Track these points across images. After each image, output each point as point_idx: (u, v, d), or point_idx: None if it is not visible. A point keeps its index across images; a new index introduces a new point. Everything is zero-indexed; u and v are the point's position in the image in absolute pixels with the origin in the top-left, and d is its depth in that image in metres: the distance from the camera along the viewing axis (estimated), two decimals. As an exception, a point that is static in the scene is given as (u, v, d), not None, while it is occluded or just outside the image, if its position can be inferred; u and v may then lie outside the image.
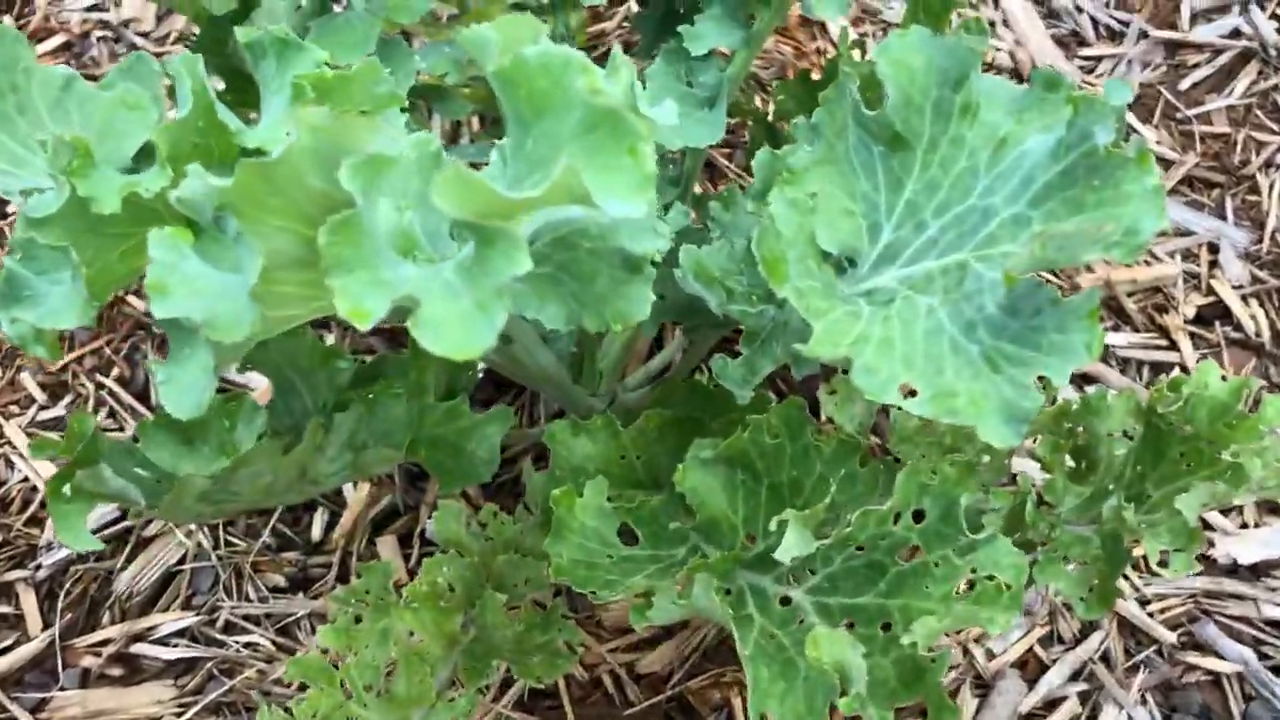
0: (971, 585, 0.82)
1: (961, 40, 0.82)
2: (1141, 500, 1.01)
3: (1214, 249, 1.57)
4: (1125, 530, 0.93)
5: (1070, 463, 1.12)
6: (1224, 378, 0.99)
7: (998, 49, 1.72)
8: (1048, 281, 1.07)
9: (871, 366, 0.77)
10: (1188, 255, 1.57)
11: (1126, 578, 1.33)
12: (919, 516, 0.84)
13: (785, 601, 0.85)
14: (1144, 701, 1.26)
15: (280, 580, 1.30)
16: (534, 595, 1.11)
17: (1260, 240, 1.58)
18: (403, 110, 0.85)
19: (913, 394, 0.75)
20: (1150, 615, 1.31)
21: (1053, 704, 1.26)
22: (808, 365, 0.97)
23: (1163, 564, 0.91)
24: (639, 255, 0.73)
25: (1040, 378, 0.79)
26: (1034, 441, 1.11)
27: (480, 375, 1.46)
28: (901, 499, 0.83)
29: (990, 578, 0.81)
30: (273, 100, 0.75)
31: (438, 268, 0.58)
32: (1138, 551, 1.33)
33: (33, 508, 1.34)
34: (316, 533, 1.34)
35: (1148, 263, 1.55)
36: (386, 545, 1.32)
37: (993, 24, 1.74)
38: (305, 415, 0.98)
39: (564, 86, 0.58)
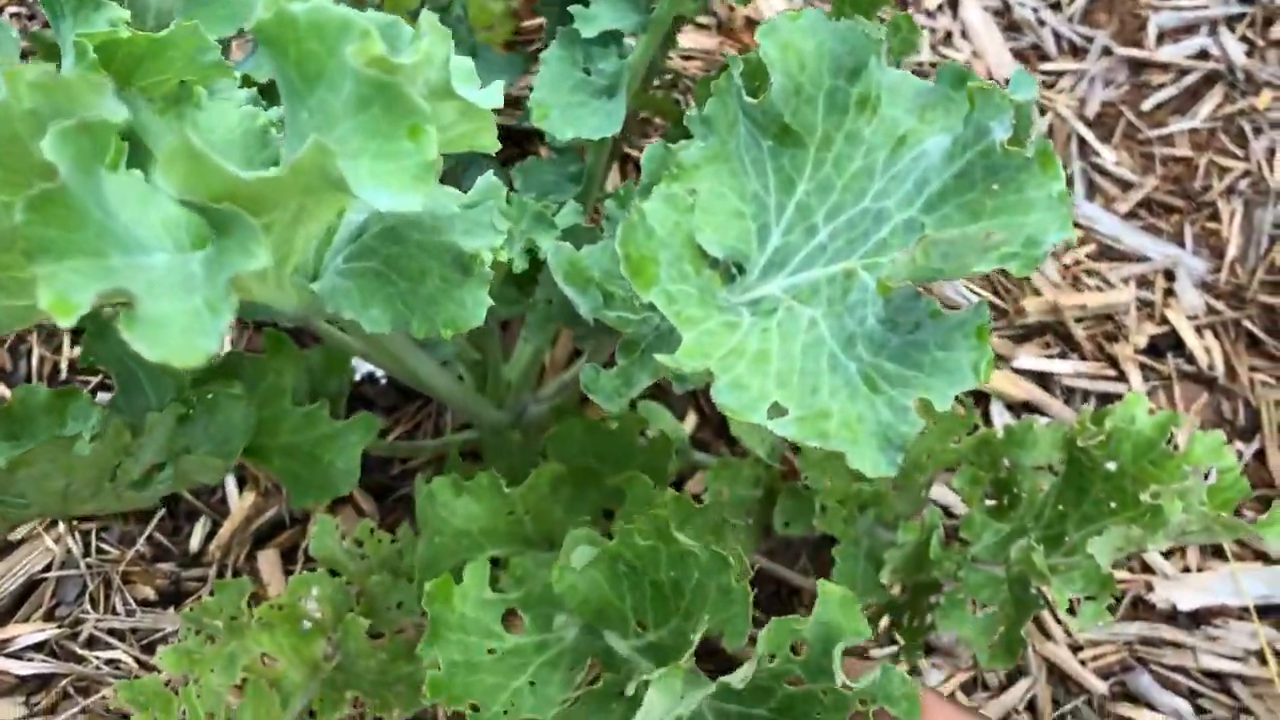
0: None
1: (859, 25, 0.73)
2: (1060, 542, 0.93)
3: (1170, 276, 1.50)
4: (1033, 574, 0.85)
5: (993, 497, 1.04)
6: (1151, 411, 0.91)
7: (954, 59, 1.64)
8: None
9: (742, 383, 0.69)
10: (1142, 282, 1.49)
11: (1060, 621, 1.25)
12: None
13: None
14: (1070, 756, 1.18)
15: (150, 593, 1.21)
16: (406, 621, 1.02)
17: (1219, 270, 1.50)
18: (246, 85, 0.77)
19: (783, 413, 0.67)
20: (1082, 663, 1.23)
21: (971, 756, 1.17)
22: (690, 381, 0.89)
23: (1071, 613, 0.83)
24: (471, 253, 0.65)
25: (960, 400, 0.71)
26: (953, 472, 1.03)
27: (384, 382, 1.38)
28: (769, 644, 0.72)
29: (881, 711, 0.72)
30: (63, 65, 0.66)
31: (184, 259, 0.49)
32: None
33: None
34: (195, 543, 1.25)
35: (1099, 289, 1.47)
36: (268, 560, 1.23)
37: (950, 35, 1.67)
38: (149, 413, 0.89)
39: (338, 52, 0.50)
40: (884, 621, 1.03)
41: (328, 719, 0.94)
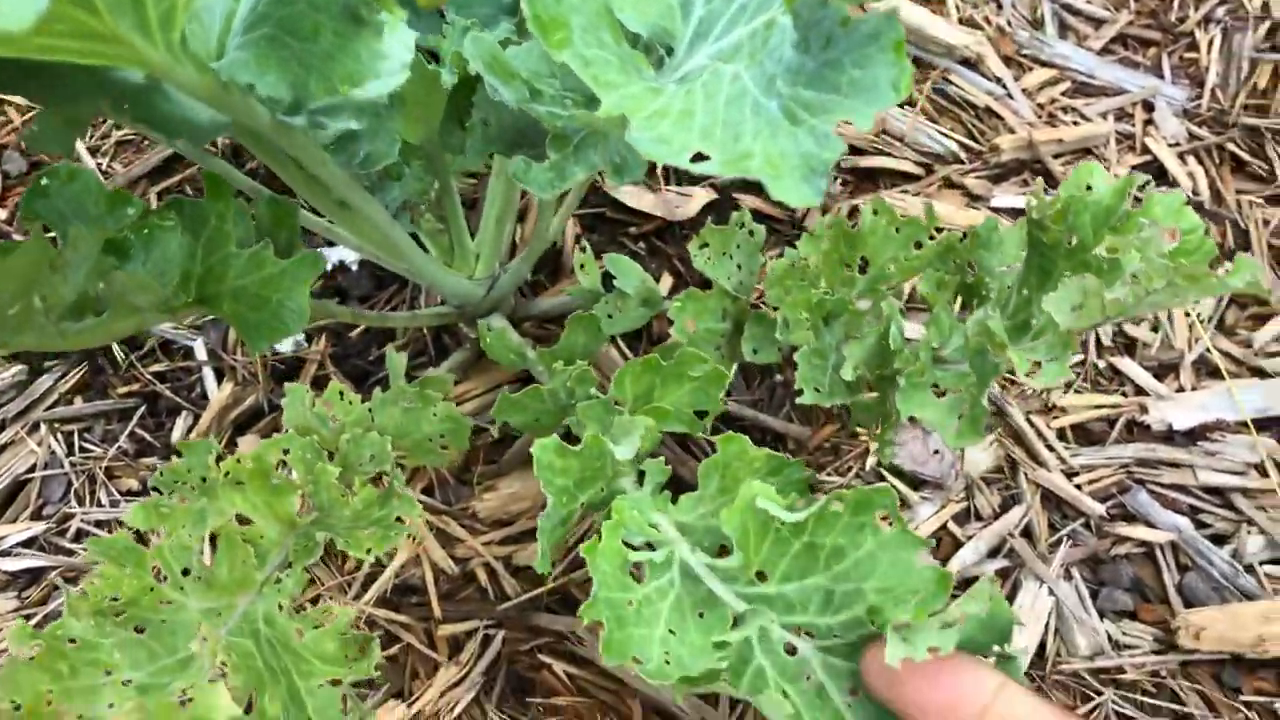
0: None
1: None
2: (1027, 328, 0.91)
3: (1149, 107, 1.46)
4: (991, 342, 0.82)
5: (961, 304, 1.02)
6: (1109, 178, 0.88)
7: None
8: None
9: (665, 138, 0.67)
10: (1121, 115, 1.46)
11: (1052, 449, 1.23)
12: None
13: (791, 650, 0.75)
14: (1068, 576, 1.16)
15: (135, 485, 1.21)
16: (377, 470, 1.01)
17: (1199, 97, 1.47)
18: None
19: (706, 159, 0.65)
20: (1078, 487, 1.20)
21: (968, 582, 1.15)
22: (630, 172, 0.87)
23: (1033, 374, 0.80)
24: (359, 2, 0.63)
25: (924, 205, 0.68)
26: (918, 279, 1.01)
27: (355, 269, 1.37)
28: None
29: None
30: None
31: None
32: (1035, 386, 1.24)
33: (-126, 421, 1.26)
34: (176, 436, 1.24)
35: (1075, 123, 1.44)
36: (248, 445, 1.22)
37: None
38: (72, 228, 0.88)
39: None
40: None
41: (300, 564, 0.94)
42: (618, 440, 0.86)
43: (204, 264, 0.92)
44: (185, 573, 0.92)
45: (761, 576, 0.76)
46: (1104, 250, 0.81)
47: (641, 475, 0.89)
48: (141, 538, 1.07)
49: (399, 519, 0.95)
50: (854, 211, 1.33)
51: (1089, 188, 0.88)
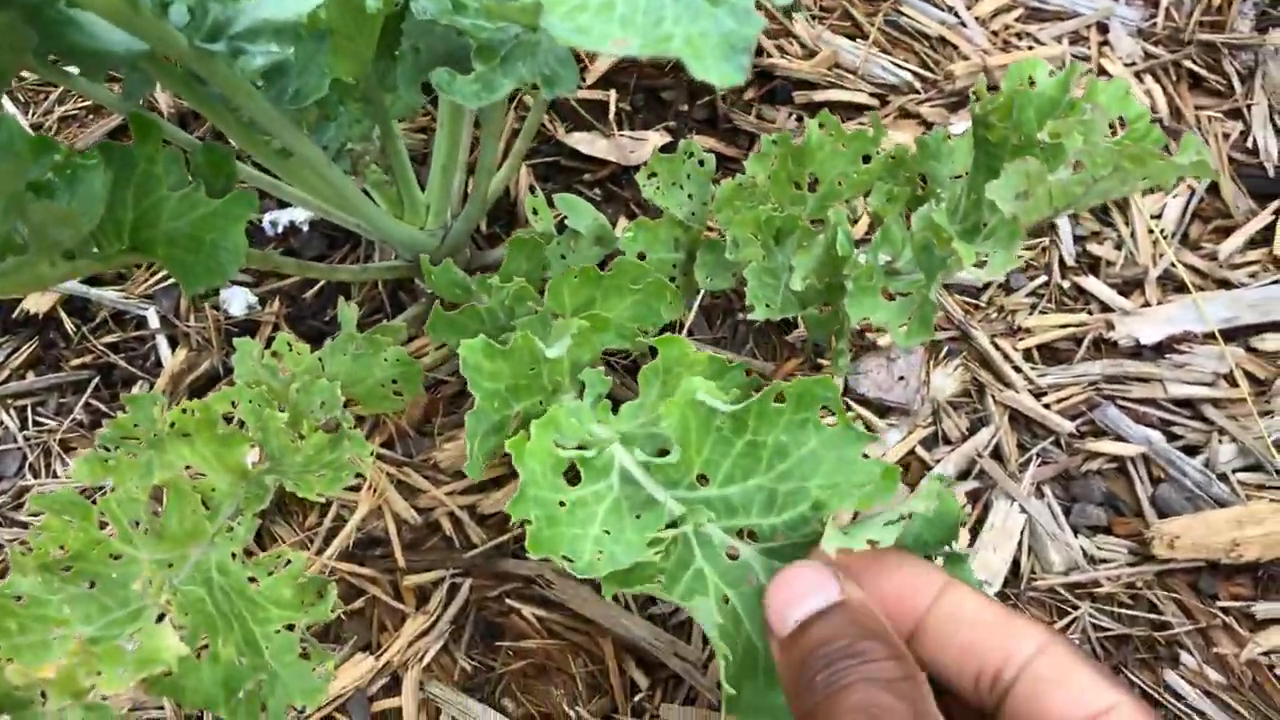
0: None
1: None
2: (978, 230, 0.90)
3: (1103, 29, 1.45)
4: (938, 237, 0.81)
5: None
6: (1051, 72, 0.87)
7: None
8: None
9: (585, 28, 0.65)
10: (1075, 38, 1.44)
11: (1018, 370, 1.21)
12: None
13: (733, 555, 0.74)
14: (1040, 494, 1.14)
15: (90, 455, 1.19)
16: (328, 416, 0.99)
17: (1153, 17, 1.46)
18: None
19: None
20: (1046, 407, 1.19)
21: (939, 505, 1.14)
22: (561, 84, 0.85)
23: (980, 266, 0.79)
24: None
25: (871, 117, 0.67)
26: (866, 197, 1.00)
27: (307, 230, 1.35)
28: None
29: None
30: None
31: None
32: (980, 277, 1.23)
33: None
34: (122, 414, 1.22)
35: (1030, 47, 1.42)
36: (205, 409, 1.20)
37: None
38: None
39: None
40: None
41: (250, 510, 0.92)
42: (550, 344, 0.84)
43: (136, 209, 0.90)
44: (136, 526, 0.90)
45: (703, 480, 0.74)
46: (1046, 135, 0.80)
47: (583, 389, 0.88)
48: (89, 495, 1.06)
49: (350, 460, 0.94)
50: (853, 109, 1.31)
51: (1031, 82, 0.86)
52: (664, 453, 0.77)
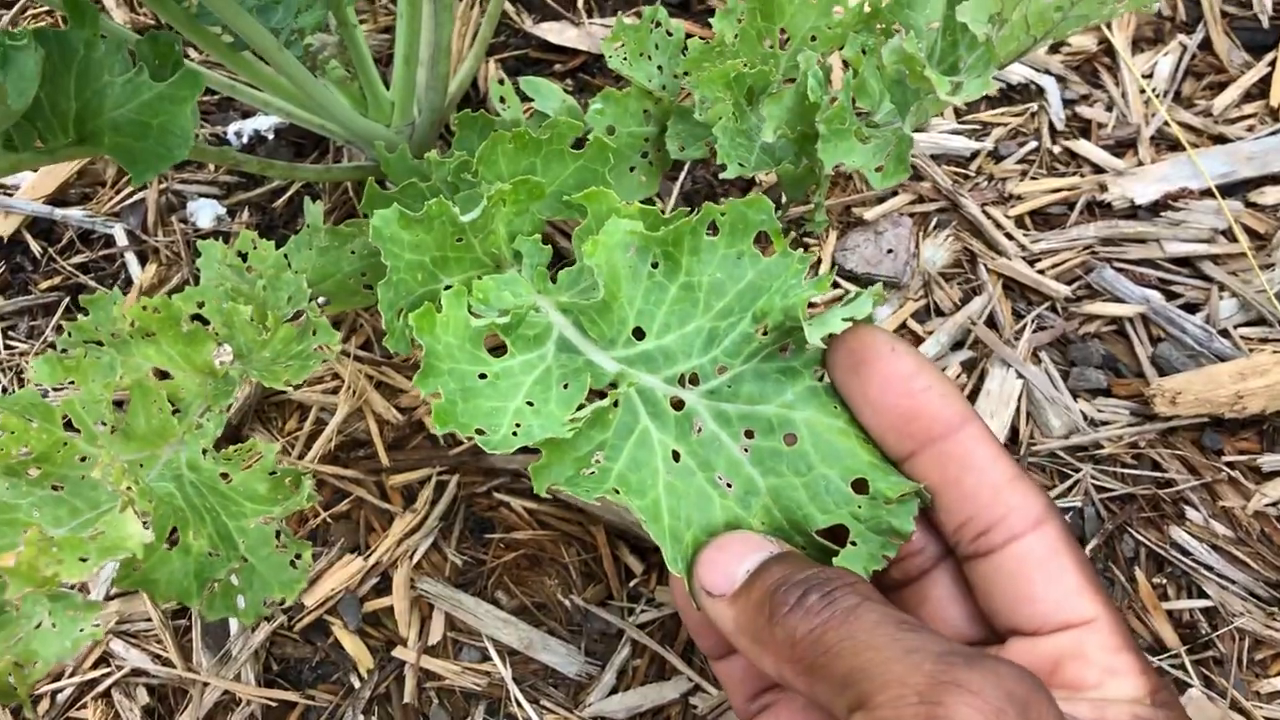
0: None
1: None
2: (955, 70, 0.86)
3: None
4: (910, 67, 0.77)
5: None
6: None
7: None
8: None
9: None
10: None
11: (1011, 237, 1.18)
12: None
13: (677, 405, 0.70)
14: (1037, 360, 1.11)
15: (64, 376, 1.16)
16: (295, 310, 0.96)
17: None
18: None
19: None
20: (1040, 272, 1.16)
21: (933, 376, 1.11)
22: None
23: (955, 92, 0.75)
24: None
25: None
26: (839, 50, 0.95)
27: (273, 138, 1.31)
28: None
29: None
30: None
31: None
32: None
33: None
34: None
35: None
36: (179, 322, 1.17)
37: None
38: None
39: None
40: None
41: (218, 405, 0.89)
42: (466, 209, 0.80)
43: (79, 99, 0.87)
44: (102, 426, 0.88)
45: (640, 334, 0.71)
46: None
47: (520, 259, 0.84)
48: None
49: (317, 349, 0.91)
50: None
51: (1005, -92, 0.82)
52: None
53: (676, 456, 0.68)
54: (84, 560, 0.74)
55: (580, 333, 0.74)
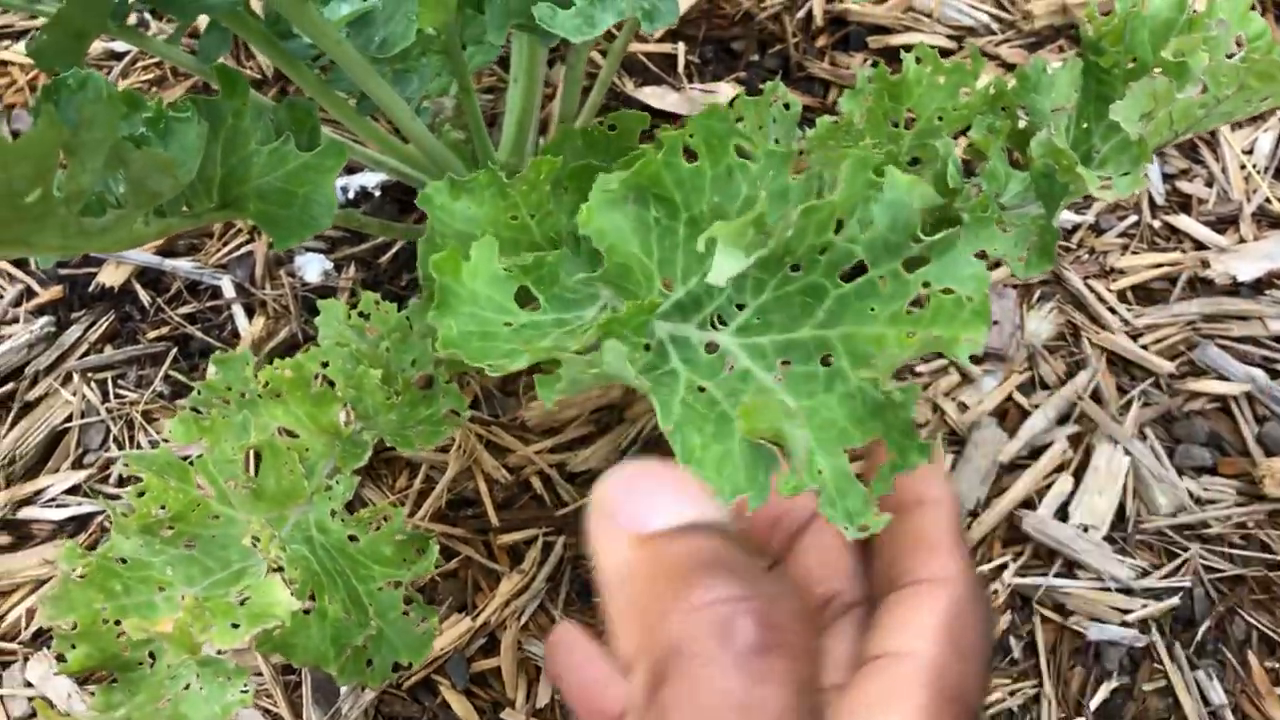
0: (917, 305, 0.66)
1: None
2: (1089, 160, 0.87)
3: (1182, -38, 1.40)
4: (1059, 161, 0.78)
5: (1014, 150, 0.97)
6: (1166, -10, 0.83)
7: None
8: None
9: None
10: (1153, -27, 1.40)
11: (1114, 311, 1.18)
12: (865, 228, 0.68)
13: (712, 348, 0.70)
14: (1143, 437, 1.11)
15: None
16: (422, 374, 0.98)
17: (1234, -53, 1.41)
18: None
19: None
20: (1144, 348, 1.16)
21: (1038, 450, 1.11)
22: (661, 18, 0.83)
23: (1103, 189, 0.76)
24: None
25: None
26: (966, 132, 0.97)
27: (379, 195, 1.33)
28: (846, 194, 0.65)
29: (947, 291, 0.65)
30: None
31: None
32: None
33: (-94, 385, 1.24)
34: (212, 374, 1.21)
35: (1108, -17, 1.38)
36: (287, 375, 1.19)
37: None
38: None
39: None
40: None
41: (348, 468, 0.90)
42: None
43: (224, 165, 0.89)
44: (233, 486, 0.89)
45: (669, 285, 0.71)
46: (1170, 54, 0.76)
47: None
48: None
49: (446, 415, 0.92)
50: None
51: (1144, 2, 0.83)
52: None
53: (701, 389, 0.66)
54: (235, 627, 0.75)
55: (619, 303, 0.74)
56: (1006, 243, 0.82)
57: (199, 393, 0.95)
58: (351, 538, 0.89)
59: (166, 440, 1.18)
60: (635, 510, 0.49)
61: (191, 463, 0.89)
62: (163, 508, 0.85)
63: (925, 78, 0.96)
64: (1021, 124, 0.97)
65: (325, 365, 0.97)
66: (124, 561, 0.84)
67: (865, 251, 0.65)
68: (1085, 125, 0.87)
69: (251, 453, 0.95)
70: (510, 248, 0.85)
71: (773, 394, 0.63)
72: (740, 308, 0.69)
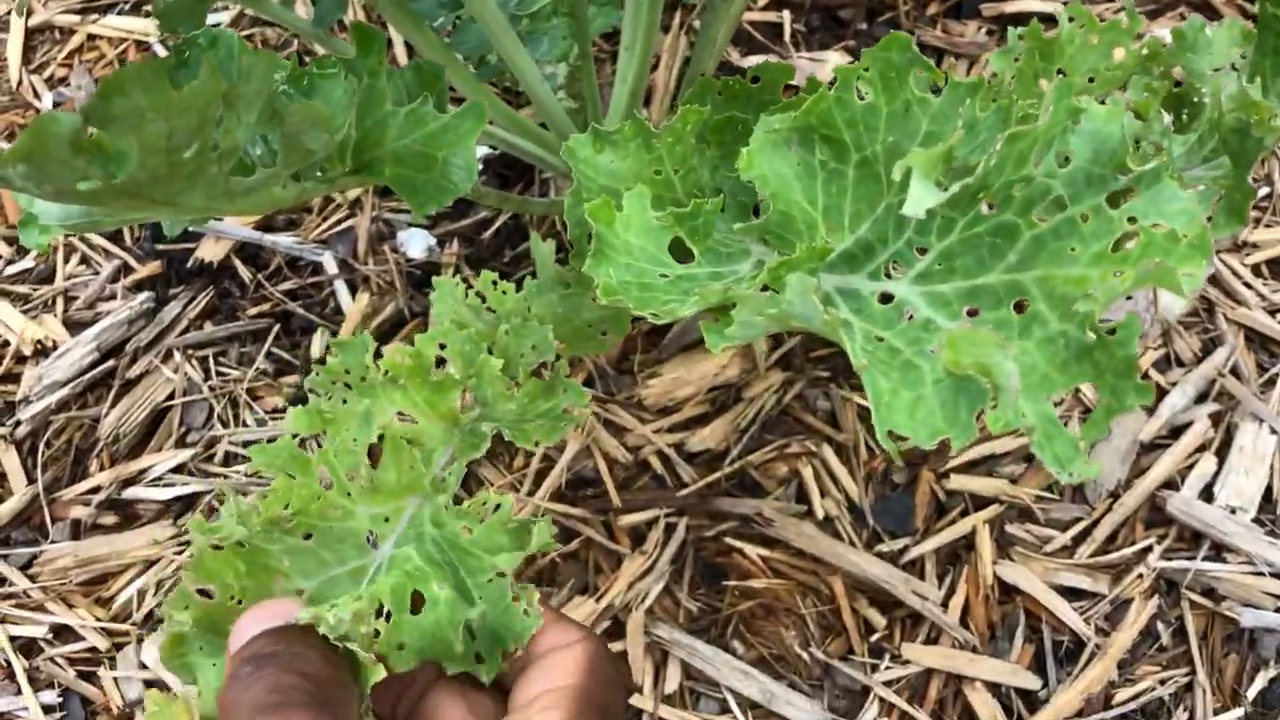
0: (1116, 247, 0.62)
1: None
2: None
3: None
4: (1253, 112, 0.74)
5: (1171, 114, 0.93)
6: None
7: None
8: None
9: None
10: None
11: (1249, 286, 1.14)
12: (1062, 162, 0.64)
13: (886, 299, 0.66)
14: (1288, 415, 1.07)
15: (280, 402, 1.16)
16: (539, 360, 0.94)
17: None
18: None
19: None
20: (1282, 324, 1.11)
21: (1178, 430, 1.07)
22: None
23: (1307, 144, 0.72)
24: None
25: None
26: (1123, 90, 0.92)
27: (480, 167, 1.30)
28: (1052, 121, 0.61)
29: (1156, 227, 0.61)
30: None
31: None
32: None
33: (5, 363, 1.21)
34: (316, 351, 1.19)
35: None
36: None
37: None
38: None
39: None
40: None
41: (464, 459, 0.87)
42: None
43: (360, 127, 0.86)
44: (350, 477, 0.85)
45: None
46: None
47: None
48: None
49: (566, 410, 0.88)
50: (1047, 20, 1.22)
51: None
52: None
53: (879, 339, 0.63)
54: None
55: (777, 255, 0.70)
56: (1190, 199, 0.78)
57: (316, 374, 0.91)
58: (466, 529, 0.85)
59: (272, 417, 1.15)
60: (235, 636, 0.63)
61: (312, 452, 0.85)
62: (286, 506, 0.82)
63: (1078, 36, 0.92)
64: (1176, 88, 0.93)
65: (443, 347, 0.94)
66: (242, 545, 0.80)
67: (1065, 187, 0.61)
68: (1259, 81, 0.83)
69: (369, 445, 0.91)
70: (655, 204, 0.81)
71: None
72: (921, 253, 0.66)
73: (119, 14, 1.46)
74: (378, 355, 0.90)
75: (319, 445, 0.84)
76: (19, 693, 1.03)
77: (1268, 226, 1.18)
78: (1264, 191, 1.20)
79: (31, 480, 1.14)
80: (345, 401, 0.91)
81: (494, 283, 0.99)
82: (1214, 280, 1.14)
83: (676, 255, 0.73)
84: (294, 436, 0.87)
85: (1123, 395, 0.54)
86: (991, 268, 0.63)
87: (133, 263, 1.26)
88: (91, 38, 1.43)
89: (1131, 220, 0.59)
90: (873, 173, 0.67)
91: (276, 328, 1.21)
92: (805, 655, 0.99)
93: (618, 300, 0.65)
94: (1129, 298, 1.11)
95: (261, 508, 0.82)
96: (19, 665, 1.05)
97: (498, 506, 0.86)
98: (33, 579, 1.08)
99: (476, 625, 0.81)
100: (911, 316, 0.64)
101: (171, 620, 0.73)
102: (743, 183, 0.77)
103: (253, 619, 0.64)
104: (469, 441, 0.90)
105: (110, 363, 1.20)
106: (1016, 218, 0.62)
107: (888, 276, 0.66)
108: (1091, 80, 0.93)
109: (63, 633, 1.06)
